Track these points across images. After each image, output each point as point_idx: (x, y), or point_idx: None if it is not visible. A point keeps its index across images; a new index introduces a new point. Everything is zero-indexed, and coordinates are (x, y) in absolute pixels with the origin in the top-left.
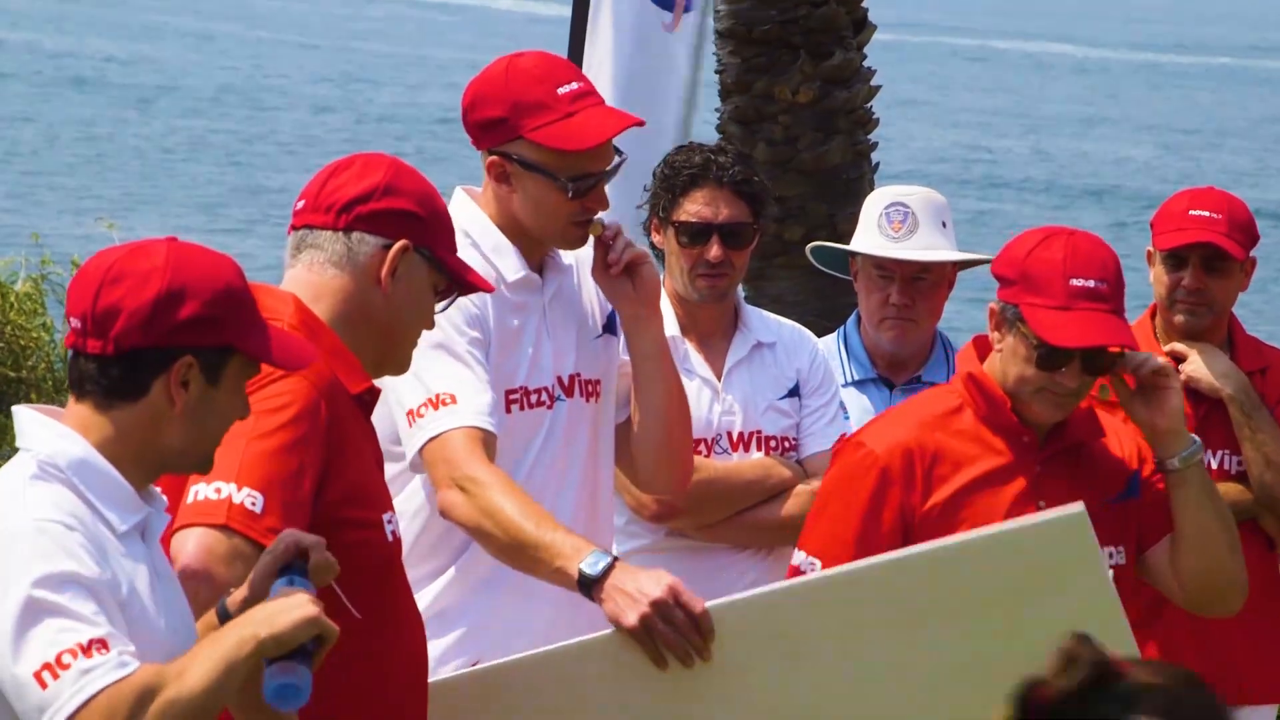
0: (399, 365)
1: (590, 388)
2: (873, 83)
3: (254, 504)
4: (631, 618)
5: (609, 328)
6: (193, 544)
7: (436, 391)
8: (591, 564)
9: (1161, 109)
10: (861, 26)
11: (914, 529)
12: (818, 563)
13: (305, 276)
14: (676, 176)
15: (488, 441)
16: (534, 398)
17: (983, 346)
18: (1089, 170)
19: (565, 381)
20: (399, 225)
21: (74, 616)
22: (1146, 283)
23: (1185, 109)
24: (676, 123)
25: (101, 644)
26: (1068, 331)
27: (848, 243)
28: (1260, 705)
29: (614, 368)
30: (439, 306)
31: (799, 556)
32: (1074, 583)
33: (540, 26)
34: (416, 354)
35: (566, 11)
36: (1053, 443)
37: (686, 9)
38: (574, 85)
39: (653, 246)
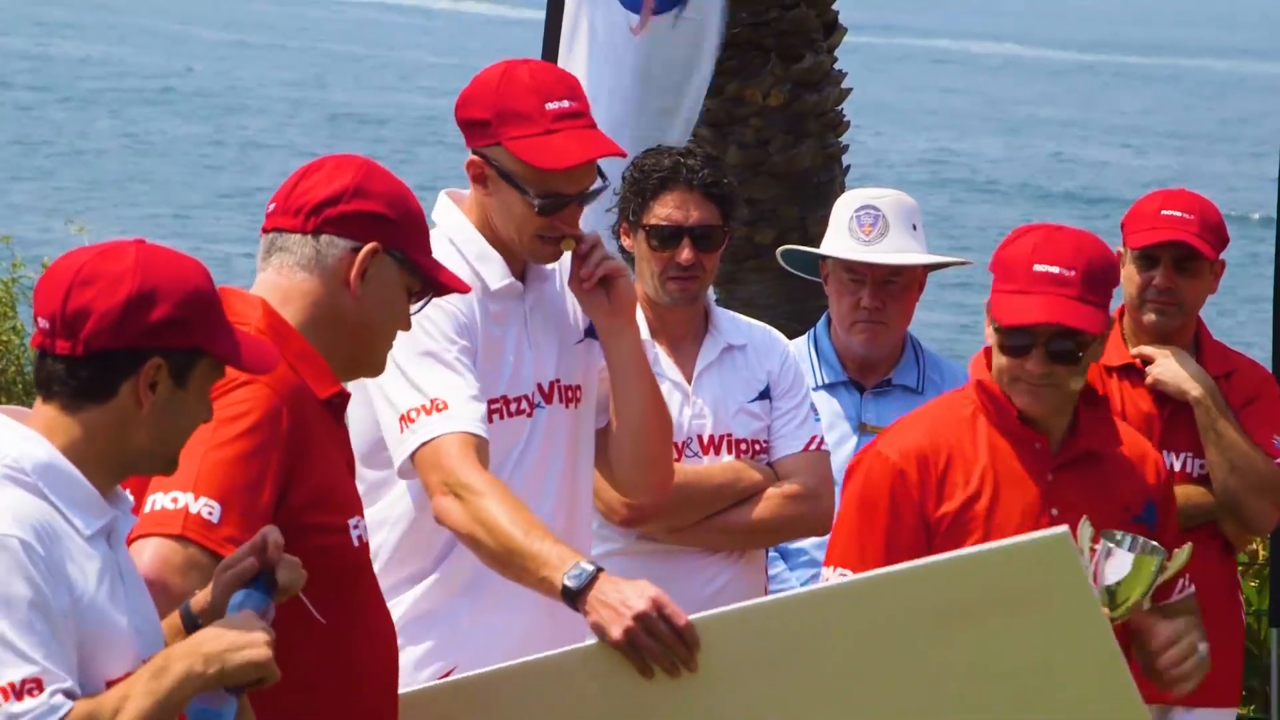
0: (374, 367)
1: (570, 393)
2: (843, 86)
3: (211, 513)
4: (615, 631)
5: (590, 332)
6: (148, 554)
7: (432, 397)
8: (575, 576)
9: (1134, 111)
10: (832, 29)
11: (933, 533)
12: (849, 574)
13: (275, 280)
14: (646, 180)
15: (480, 447)
16: (514, 406)
17: (987, 353)
18: (1062, 172)
19: (545, 388)
20: (368, 228)
21: (12, 649)
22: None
23: (1158, 111)
24: (652, 125)
25: (35, 684)
26: (1019, 312)
27: (819, 245)
28: (1219, 708)
29: (594, 372)
30: (414, 308)
31: (827, 572)
32: (1062, 604)
33: (511, 29)
34: (408, 359)
35: (531, 14)
36: (1066, 451)
37: (656, 11)
38: (564, 103)
39: (622, 250)
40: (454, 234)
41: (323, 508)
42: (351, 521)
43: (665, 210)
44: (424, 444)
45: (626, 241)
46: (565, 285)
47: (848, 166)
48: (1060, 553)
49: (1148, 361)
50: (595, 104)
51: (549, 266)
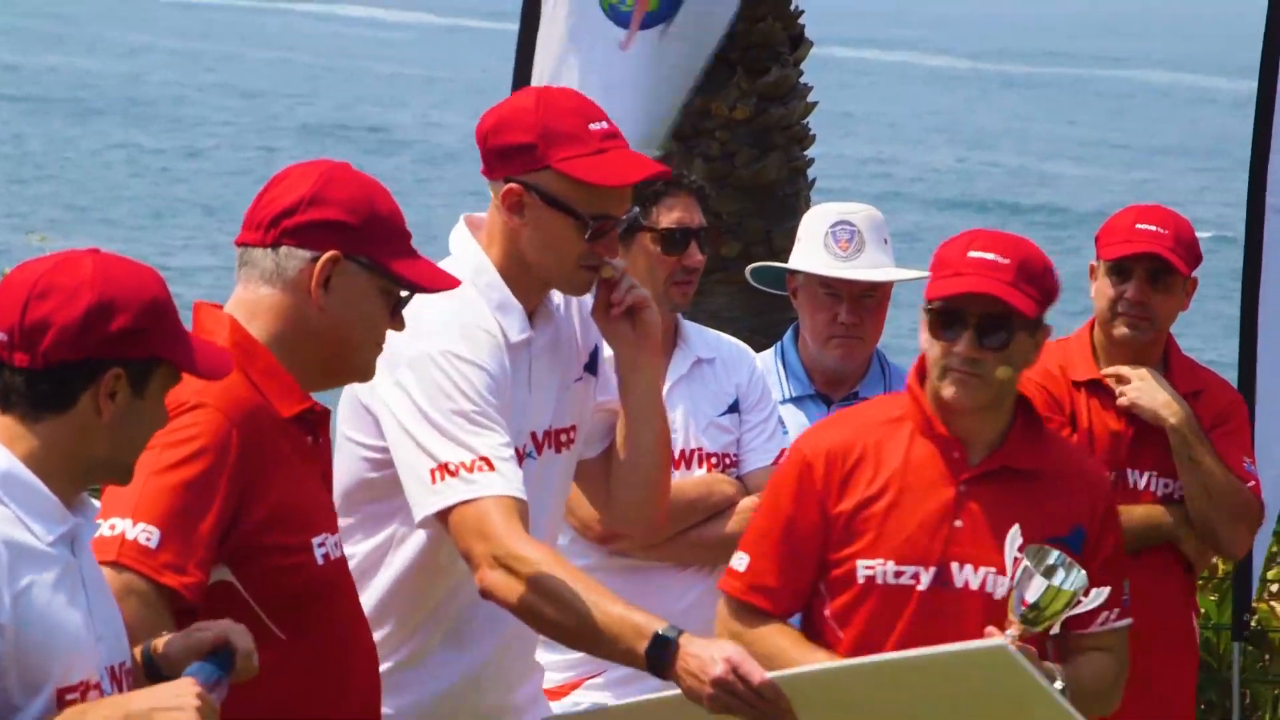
0: (358, 372)
1: (564, 438)
2: (809, 99)
3: (149, 539)
4: (704, 700)
5: (589, 367)
6: None
7: (478, 455)
8: (657, 649)
9: (1096, 125)
10: (798, 43)
11: (831, 529)
12: (746, 557)
13: (242, 295)
14: (646, 187)
15: (524, 513)
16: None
17: (922, 362)
18: (1022, 186)
19: (539, 437)
20: (325, 236)
21: None
22: (1087, 299)
23: (1121, 125)
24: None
25: None
26: (950, 286)
27: (784, 258)
28: None
29: (589, 407)
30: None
31: (734, 554)
32: (1029, 707)
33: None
34: (443, 415)
35: (495, 25)
36: (986, 463)
37: (646, 25)
38: (604, 124)
39: None
40: (475, 278)
41: (282, 528)
42: (316, 540)
43: (675, 214)
44: (465, 502)
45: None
46: (570, 319)
47: (813, 179)
48: (1002, 664)
49: (1122, 382)
50: None
51: (556, 304)
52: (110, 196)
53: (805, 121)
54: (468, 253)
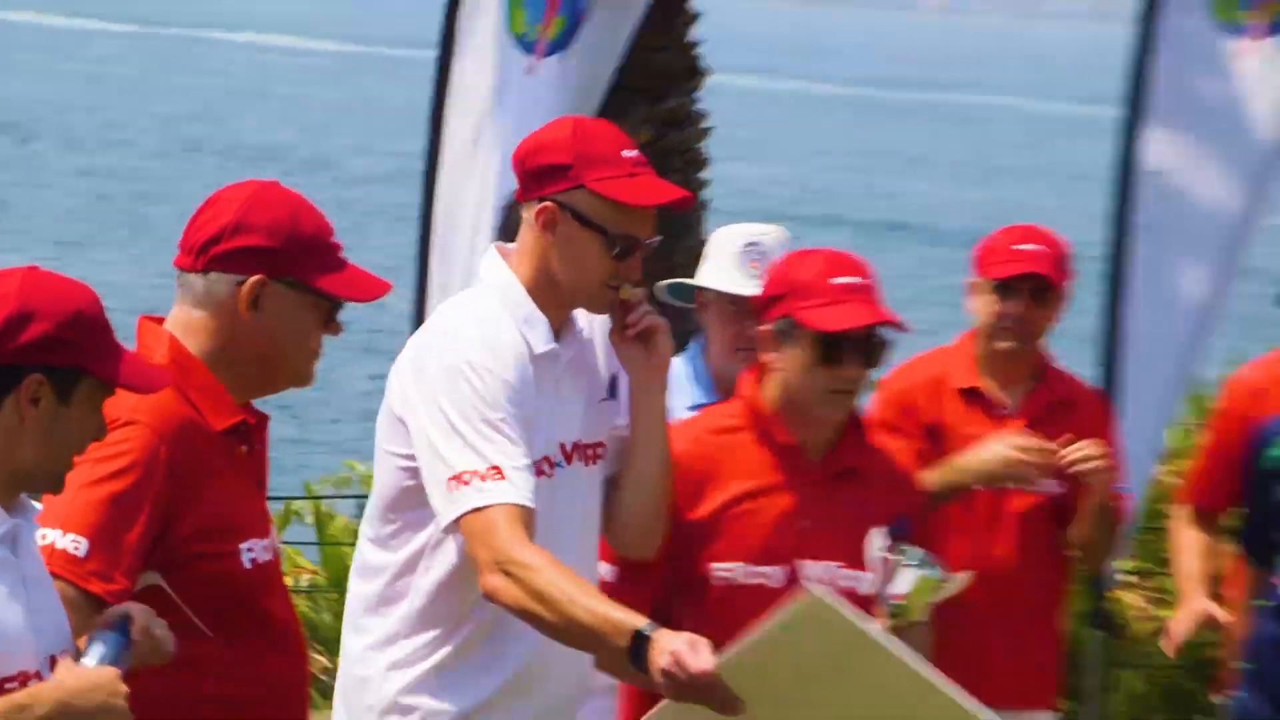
0: (297, 380)
1: (591, 452)
2: (705, 125)
3: (77, 548)
4: (664, 691)
5: (611, 391)
6: None
7: (490, 464)
8: (637, 645)
9: (964, 148)
10: (695, 73)
11: (690, 538)
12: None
13: (179, 315)
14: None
15: (529, 520)
16: (538, 468)
17: (758, 372)
18: (894, 205)
19: (568, 449)
20: (250, 262)
21: None
22: (964, 314)
23: (985, 148)
24: None
25: None
26: (843, 319)
27: (682, 273)
28: (1039, 710)
29: (612, 431)
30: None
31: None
32: (858, 653)
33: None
34: (464, 421)
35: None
36: (826, 465)
37: (549, 53)
38: (635, 153)
39: None
40: (503, 294)
41: (210, 537)
42: (245, 545)
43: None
44: (475, 510)
45: None
46: (594, 343)
47: (708, 201)
48: (821, 609)
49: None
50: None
51: (581, 327)
52: (39, 217)
53: (701, 145)
54: (496, 273)
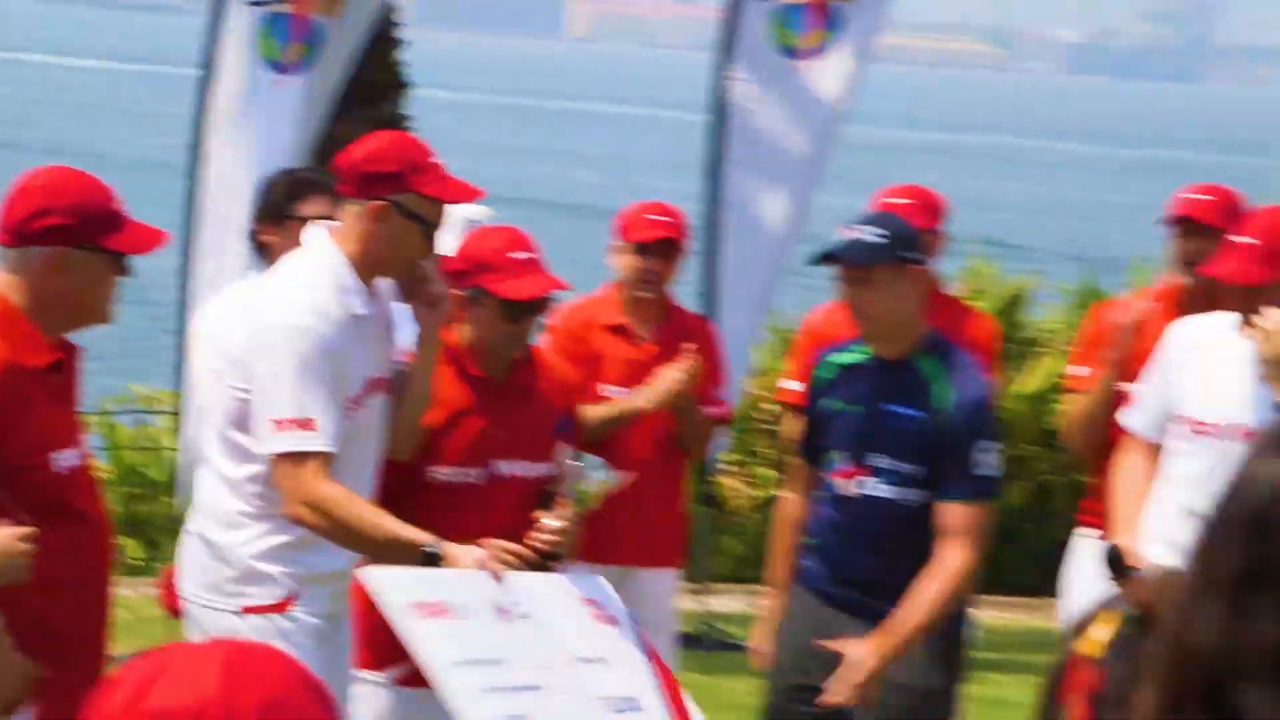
0: (101, 319)
1: (384, 385)
2: (409, 127)
3: None
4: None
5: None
6: None
7: (305, 415)
8: (428, 560)
9: (602, 143)
10: (401, 85)
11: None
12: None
13: (3, 279)
14: (300, 186)
15: (328, 463)
16: (356, 402)
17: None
18: (560, 191)
19: (373, 384)
20: (54, 237)
21: None
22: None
23: (619, 144)
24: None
25: None
26: (528, 290)
27: None
28: (666, 568)
29: (392, 366)
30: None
31: None
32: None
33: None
34: (291, 370)
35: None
36: (506, 387)
37: (294, 72)
38: (440, 160)
39: (261, 244)
40: (331, 267)
41: (27, 452)
42: (54, 455)
43: (316, 207)
44: (288, 453)
45: (269, 237)
46: (384, 299)
47: None
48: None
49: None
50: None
51: (380, 290)
52: None
53: None
54: (326, 253)
